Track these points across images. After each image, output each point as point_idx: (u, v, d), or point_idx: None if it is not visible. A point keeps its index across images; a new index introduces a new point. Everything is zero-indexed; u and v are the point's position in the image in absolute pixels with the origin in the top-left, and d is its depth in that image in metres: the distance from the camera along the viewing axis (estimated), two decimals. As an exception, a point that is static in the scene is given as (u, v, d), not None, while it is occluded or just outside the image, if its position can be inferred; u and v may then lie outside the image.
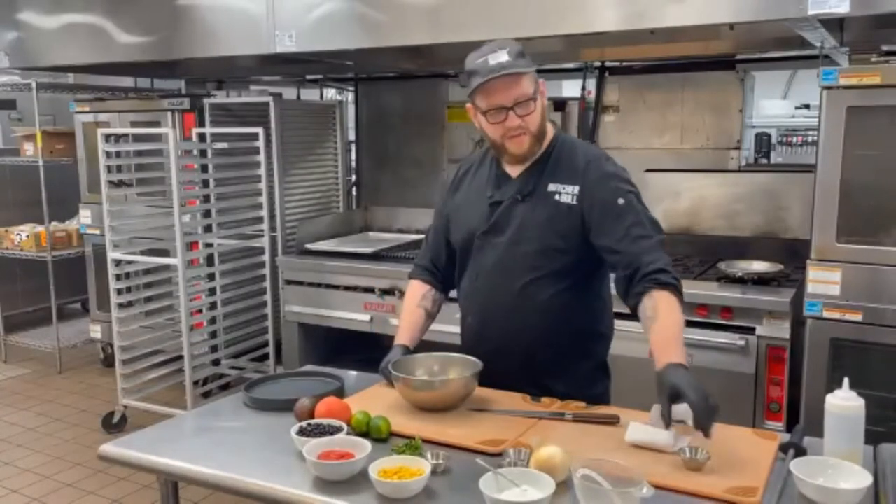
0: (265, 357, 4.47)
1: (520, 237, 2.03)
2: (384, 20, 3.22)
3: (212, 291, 4.46)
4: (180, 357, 4.10)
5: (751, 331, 3.09)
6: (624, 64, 4.20)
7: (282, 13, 3.40)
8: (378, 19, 3.23)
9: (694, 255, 3.80)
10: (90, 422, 4.49)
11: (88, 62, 4.20)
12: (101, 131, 4.14)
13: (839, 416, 1.63)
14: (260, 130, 4.23)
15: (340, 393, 2.08)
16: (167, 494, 1.92)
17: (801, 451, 1.67)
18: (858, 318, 2.78)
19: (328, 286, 4.10)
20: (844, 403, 1.63)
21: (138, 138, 4.57)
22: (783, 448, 1.71)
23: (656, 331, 1.84)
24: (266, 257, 4.37)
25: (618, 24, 2.79)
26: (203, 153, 4.57)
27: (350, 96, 5.51)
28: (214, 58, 3.76)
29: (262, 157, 4.25)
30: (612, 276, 2.04)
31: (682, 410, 1.79)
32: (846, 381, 1.67)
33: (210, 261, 4.51)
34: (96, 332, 5.38)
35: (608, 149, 4.23)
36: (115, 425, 4.31)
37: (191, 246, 4.48)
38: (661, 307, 1.85)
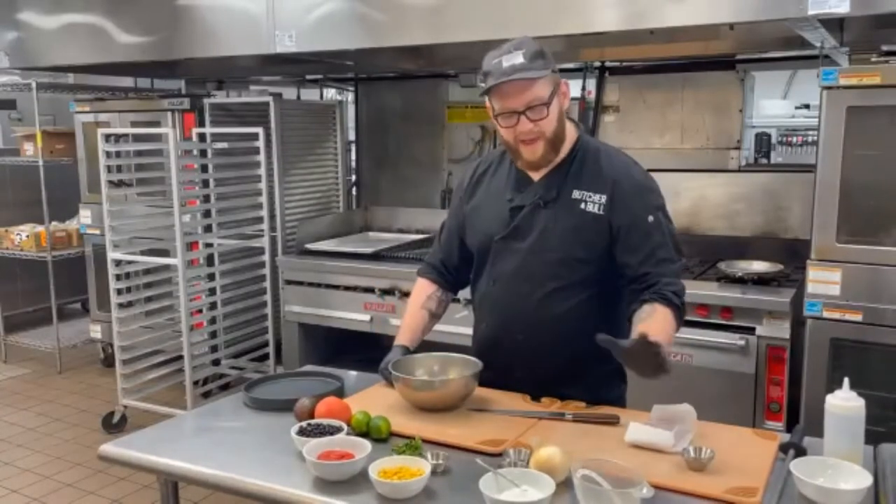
0: (265, 357, 4.47)
1: (542, 245, 1.97)
2: (384, 20, 3.22)
3: (212, 291, 4.46)
4: (180, 357, 4.10)
5: (751, 331, 3.09)
6: (624, 64, 4.20)
7: (282, 13, 3.40)
8: (378, 19, 3.23)
9: (694, 255, 3.80)
10: (90, 422, 4.49)
11: (88, 62, 4.20)
12: (101, 131, 4.14)
13: (839, 416, 1.63)
14: (260, 130, 4.23)
15: (340, 393, 2.08)
16: (167, 494, 1.92)
17: (801, 451, 1.66)
18: (858, 318, 2.78)
19: (328, 286, 4.10)
20: (844, 403, 1.63)
21: (138, 138, 4.57)
22: (783, 448, 1.71)
23: (643, 319, 1.84)
24: (266, 257, 4.37)
25: (618, 24, 2.79)
26: (203, 153, 4.57)
27: (350, 96, 5.52)
28: (214, 58, 3.76)
29: (262, 157, 4.25)
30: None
31: (682, 410, 1.79)
32: (846, 381, 1.67)
33: (210, 261, 4.51)
34: (96, 332, 5.38)
35: (608, 149, 4.25)
36: (115, 425, 4.31)
37: (191, 246, 4.48)
38: (657, 314, 1.85)
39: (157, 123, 4.77)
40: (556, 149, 1.97)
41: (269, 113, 4.51)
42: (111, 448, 1.86)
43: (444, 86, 4.82)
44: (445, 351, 2.12)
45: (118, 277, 4.19)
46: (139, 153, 4.74)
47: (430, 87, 4.85)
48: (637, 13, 2.73)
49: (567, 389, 2.02)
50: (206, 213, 4.52)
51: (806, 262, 2.87)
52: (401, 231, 4.83)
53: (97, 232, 5.07)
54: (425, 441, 1.75)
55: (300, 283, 4.20)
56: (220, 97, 5.13)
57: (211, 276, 4.41)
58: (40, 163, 5.15)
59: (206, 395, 4.39)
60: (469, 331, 2.24)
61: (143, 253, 4.25)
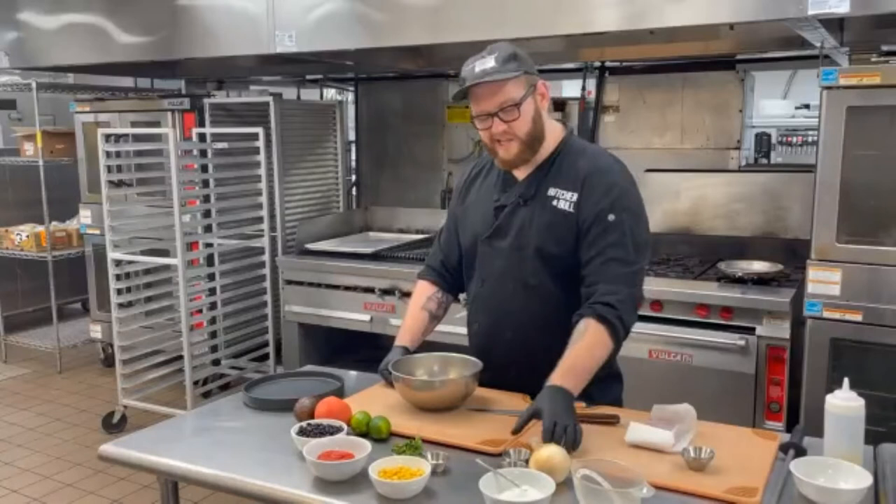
0: (265, 357, 4.47)
1: (520, 242, 2.01)
2: (384, 20, 3.22)
3: (212, 291, 4.46)
4: (180, 357, 4.10)
5: (751, 331, 3.09)
6: (624, 64, 4.21)
7: (282, 13, 3.40)
8: (378, 19, 3.23)
9: (694, 255, 3.81)
10: (90, 422, 4.49)
11: (88, 62, 4.20)
12: (101, 131, 4.14)
13: (839, 416, 1.63)
14: (260, 130, 4.23)
15: (340, 393, 2.08)
16: (167, 494, 1.92)
17: (801, 451, 1.67)
18: (858, 318, 2.78)
19: (328, 286, 4.10)
20: (844, 403, 1.63)
21: (138, 138, 4.57)
22: (783, 448, 1.71)
23: (567, 353, 1.84)
24: (266, 257, 4.37)
25: (618, 24, 2.78)
26: (203, 153, 4.57)
27: (350, 96, 5.52)
28: (214, 58, 3.76)
29: (262, 157, 4.25)
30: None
31: (682, 410, 1.79)
32: (846, 381, 1.67)
33: (210, 261, 4.50)
34: (96, 332, 5.38)
35: (608, 149, 4.21)
36: (115, 425, 4.31)
37: (191, 246, 4.48)
38: (587, 336, 1.85)
39: (157, 123, 4.77)
40: (533, 148, 1.99)
41: (269, 113, 4.51)
42: (111, 448, 1.86)
43: (443, 86, 4.81)
44: (445, 351, 2.12)
45: (118, 277, 4.19)
46: (139, 153, 4.74)
47: (430, 87, 4.85)
48: (637, 13, 2.73)
49: None
50: (206, 213, 4.52)
51: (806, 262, 2.87)
52: (401, 231, 4.84)
53: (97, 232, 5.07)
54: (425, 441, 1.75)
55: (300, 283, 4.20)
56: (220, 97, 5.13)
57: (211, 276, 4.41)
58: (40, 163, 5.15)
59: (206, 395, 4.39)
60: (468, 331, 2.24)
61: (143, 253, 4.25)
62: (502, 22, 2.94)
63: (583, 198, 1.95)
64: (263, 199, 4.32)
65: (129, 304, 4.34)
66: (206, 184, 4.47)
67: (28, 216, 5.67)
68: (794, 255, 3.47)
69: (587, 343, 1.84)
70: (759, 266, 3.43)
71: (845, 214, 2.78)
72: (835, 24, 2.78)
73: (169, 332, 4.35)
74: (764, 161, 5.70)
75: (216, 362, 4.57)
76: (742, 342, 3.08)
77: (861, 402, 1.63)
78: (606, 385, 2.09)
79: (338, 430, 1.79)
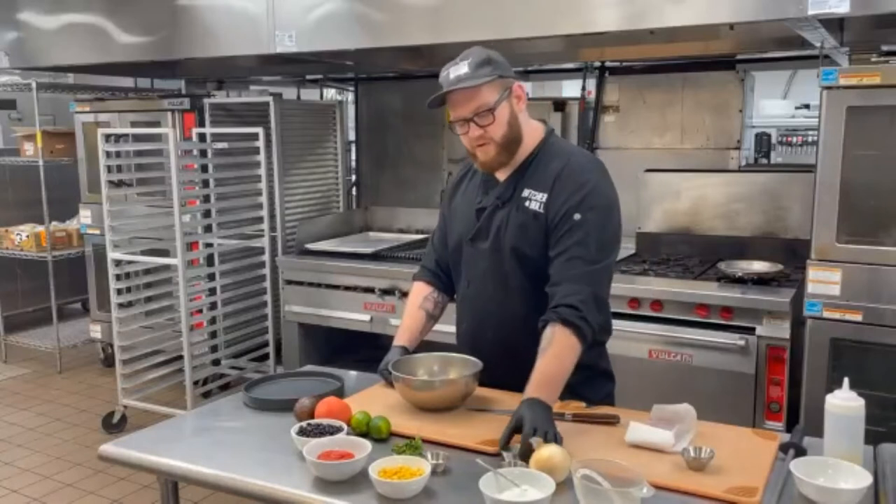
0: (265, 357, 4.47)
1: (498, 244, 2.03)
2: (384, 20, 3.22)
3: (212, 291, 4.46)
4: (180, 357, 4.10)
5: (751, 331, 3.09)
6: (624, 64, 4.21)
7: (282, 13, 3.40)
8: (378, 19, 3.23)
9: (694, 255, 3.81)
10: (90, 422, 4.49)
11: (88, 62, 4.20)
12: (101, 131, 4.14)
13: (839, 416, 1.63)
14: (260, 130, 4.23)
15: (340, 393, 2.08)
16: (167, 494, 1.92)
17: (801, 451, 1.67)
18: (858, 318, 2.78)
19: (328, 286, 4.10)
20: (844, 403, 1.63)
21: (138, 138, 4.57)
22: (783, 448, 1.71)
23: (538, 364, 1.83)
24: (266, 257, 4.37)
25: (618, 24, 2.78)
26: (203, 153, 4.57)
27: (350, 96, 5.52)
28: (214, 58, 3.76)
29: (262, 157, 4.25)
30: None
31: (682, 410, 1.79)
32: (846, 381, 1.67)
33: (210, 261, 4.50)
34: (96, 332, 5.38)
35: (608, 149, 4.25)
36: (115, 425, 4.31)
37: (191, 246, 4.48)
38: (554, 344, 1.84)
39: (157, 123, 4.77)
40: (510, 150, 2.00)
41: (269, 113, 4.51)
42: (111, 448, 1.86)
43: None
44: (445, 351, 2.12)
45: (118, 277, 4.19)
46: (139, 153, 4.74)
47: (430, 87, 4.78)
48: (637, 13, 2.73)
49: None
50: (206, 213, 4.52)
51: (806, 262, 2.87)
52: (401, 231, 4.84)
53: (97, 232, 5.07)
54: (425, 441, 1.75)
55: (300, 283, 4.20)
56: (220, 97, 5.13)
57: (211, 276, 4.41)
58: (40, 163, 5.15)
59: (206, 395, 4.39)
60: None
61: (143, 253, 4.25)
62: (502, 22, 2.94)
63: (552, 198, 1.96)
64: (263, 199, 4.32)
65: (129, 304, 4.34)
66: (206, 184, 4.47)
67: (28, 216, 5.67)
68: (794, 255, 3.47)
69: (554, 351, 1.84)
70: (759, 266, 3.43)
71: (845, 214, 2.78)
72: (835, 24, 2.78)
73: (169, 332, 4.35)
74: (764, 161, 5.71)
75: (216, 362, 4.57)
76: (742, 342, 3.08)
77: (861, 402, 1.63)
78: (597, 383, 2.10)
79: (338, 430, 1.79)
